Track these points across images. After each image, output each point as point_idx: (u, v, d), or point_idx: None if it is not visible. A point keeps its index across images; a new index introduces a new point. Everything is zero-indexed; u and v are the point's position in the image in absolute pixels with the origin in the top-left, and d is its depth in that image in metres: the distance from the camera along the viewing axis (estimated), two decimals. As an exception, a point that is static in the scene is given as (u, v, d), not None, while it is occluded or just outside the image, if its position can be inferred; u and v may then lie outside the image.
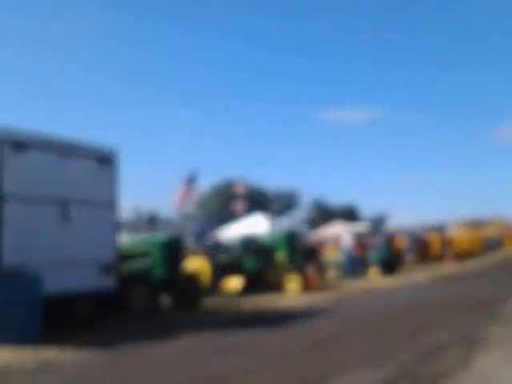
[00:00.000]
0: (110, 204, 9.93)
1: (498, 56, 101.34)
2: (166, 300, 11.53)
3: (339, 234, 28.58)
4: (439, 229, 40.42)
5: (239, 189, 36.45)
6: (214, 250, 16.69)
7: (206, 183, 59.84)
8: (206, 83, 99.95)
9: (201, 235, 21.60)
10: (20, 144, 8.35)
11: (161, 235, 12.64)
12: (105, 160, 9.79)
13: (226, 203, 49.96)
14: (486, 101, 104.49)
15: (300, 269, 16.48)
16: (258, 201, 55.27)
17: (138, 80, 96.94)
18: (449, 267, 27.98)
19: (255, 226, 24.34)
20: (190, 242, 18.29)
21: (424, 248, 32.16)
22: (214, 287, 14.92)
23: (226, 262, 16.02)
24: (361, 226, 33.48)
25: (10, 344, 7.33)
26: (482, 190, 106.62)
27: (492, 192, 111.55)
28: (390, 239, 27.12)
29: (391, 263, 23.92)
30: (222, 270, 15.43)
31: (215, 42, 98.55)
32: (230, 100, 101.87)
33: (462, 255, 33.59)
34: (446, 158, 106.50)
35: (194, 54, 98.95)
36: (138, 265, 11.13)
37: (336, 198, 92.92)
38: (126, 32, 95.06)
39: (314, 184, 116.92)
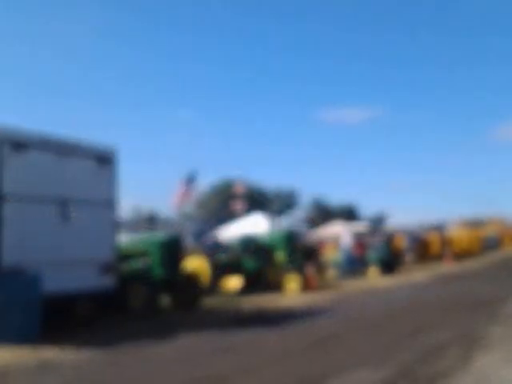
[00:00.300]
0: (110, 203, 9.92)
1: (498, 56, 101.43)
2: (165, 300, 11.53)
3: (339, 234, 28.61)
4: (439, 228, 40.49)
5: (239, 188, 36.47)
6: (214, 250, 16.69)
7: (206, 183, 59.83)
8: (206, 83, 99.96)
9: (200, 235, 21.60)
10: (19, 144, 8.35)
11: (160, 235, 12.63)
12: (104, 159, 9.79)
13: (225, 203, 49.96)
14: (485, 100, 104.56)
15: (299, 268, 16.49)
16: (257, 200, 55.27)
17: (138, 80, 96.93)
18: (448, 267, 28.01)
19: (255, 225, 24.34)
20: (189, 241, 18.29)
21: (423, 248, 32.20)
22: (214, 287, 14.92)
23: (225, 261, 16.02)
24: (360, 226, 33.51)
25: (10, 344, 7.33)
26: (481, 189, 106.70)
27: (491, 192, 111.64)
28: (389, 239, 27.16)
29: (391, 263, 23.94)
30: (221, 270, 15.43)
31: (215, 42, 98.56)
32: (230, 100, 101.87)
33: (462, 255, 33.64)
34: (446, 158, 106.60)
35: (194, 54, 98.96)
36: (137, 264, 11.12)
37: (336, 197, 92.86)
38: (126, 32, 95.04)
39: (314, 184, 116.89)
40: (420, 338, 8.18)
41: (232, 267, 15.90)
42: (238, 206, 35.30)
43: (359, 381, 5.73)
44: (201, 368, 6.42)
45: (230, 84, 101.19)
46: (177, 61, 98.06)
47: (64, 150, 9.14)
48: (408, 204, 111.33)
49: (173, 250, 11.53)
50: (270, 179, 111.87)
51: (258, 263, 16.44)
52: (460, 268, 26.93)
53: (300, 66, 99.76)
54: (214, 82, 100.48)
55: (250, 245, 17.06)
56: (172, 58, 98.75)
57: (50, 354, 7.11)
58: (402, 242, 30.41)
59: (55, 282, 8.42)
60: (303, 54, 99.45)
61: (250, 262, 16.36)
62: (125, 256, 10.74)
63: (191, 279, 11.92)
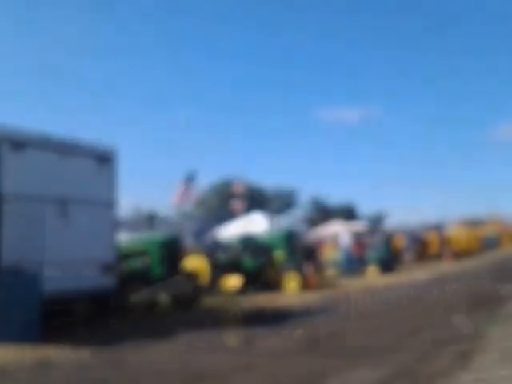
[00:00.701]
0: (110, 202, 9.93)
1: (498, 54, 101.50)
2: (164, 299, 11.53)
3: (338, 233, 28.62)
4: (438, 228, 40.52)
5: (238, 188, 36.49)
6: (213, 249, 16.70)
7: (205, 182, 59.81)
8: (206, 83, 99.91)
9: (200, 234, 21.63)
10: (19, 143, 8.35)
11: (160, 234, 12.66)
12: (104, 159, 9.79)
13: (224, 202, 49.97)
14: (484, 99, 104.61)
15: (299, 268, 16.51)
16: (256, 200, 55.26)
17: (140, 79, 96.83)
18: (447, 266, 28.04)
19: (254, 224, 24.36)
20: (189, 240, 18.31)
21: (422, 247, 32.23)
22: (213, 286, 14.93)
23: (224, 260, 16.03)
24: (359, 225, 33.53)
25: (10, 342, 7.33)
26: (480, 188, 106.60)
27: (490, 190, 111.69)
28: (388, 238, 27.18)
29: (390, 262, 23.97)
30: (220, 269, 15.44)
31: (215, 43, 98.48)
32: (230, 100, 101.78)
33: (461, 254, 33.68)
34: (445, 157, 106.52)
35: (193, 55, 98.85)
36: (136, 264, 11.14)
37: (334, 196, 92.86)
38: (127, 25, 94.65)
39: (313, 183, 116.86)
40: (419, 338, 8.20)
41: (231, 266, 15.91)
42: (238, 205, 35.33)
43: (359, 379, 5.74)
44: (201, 366, 6.44)
45: (230, 84, 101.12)
46: (176, 61, 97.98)
47: (64, 149, 9.14)
48: (407, 203, 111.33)
49: (172, 250, 11.55)
50: (268, 178, 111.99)
51: (258, 262, 16.46)
52: (459, 267, 26.95)
53: (299, 66, 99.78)
54: (213, 82, 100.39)
55: (250, 244, 17.08)
56: (170, 60, 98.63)
57: (49, 352, 7.12)
58: (401, 242, 30.44)
59: (55, 282, 8.43)
60: (303, 53, 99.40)
61: (249, 261, 16.37)
62: (124, 255, 10.75)
63: (190, 279, 11.93)
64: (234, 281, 15.55)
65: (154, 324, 9.59)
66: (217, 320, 10.21)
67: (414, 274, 22.41)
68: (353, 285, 18.28)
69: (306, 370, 6.20)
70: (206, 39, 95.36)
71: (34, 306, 7.75)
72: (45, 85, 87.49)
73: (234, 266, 15.98)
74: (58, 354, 7.09)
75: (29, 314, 7.69)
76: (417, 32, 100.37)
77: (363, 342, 7.92)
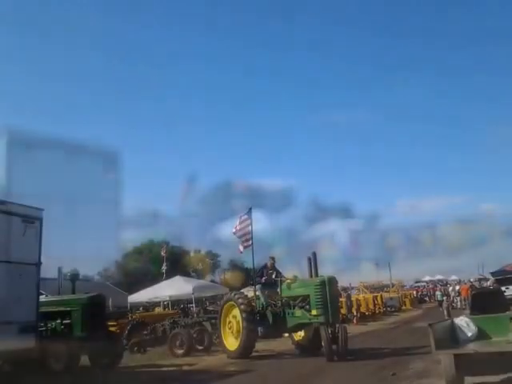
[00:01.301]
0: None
1: (497, 56, 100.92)
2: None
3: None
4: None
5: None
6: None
7: (206, 181, 59.73)
8: (207, 84, 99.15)
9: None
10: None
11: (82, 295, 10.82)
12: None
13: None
14: (482, 99, 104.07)
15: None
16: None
17: (141, 77, 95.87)
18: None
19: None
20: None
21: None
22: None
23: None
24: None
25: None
26: (473, 186, 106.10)
27: (485, 189, 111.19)
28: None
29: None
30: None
31: (215, 44, 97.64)
32: (230, 100, 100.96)
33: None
34: (442, 156, 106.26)
35: (195, 54, 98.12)
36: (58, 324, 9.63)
37: (332, 195, 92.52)
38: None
39: (311, 181, 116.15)
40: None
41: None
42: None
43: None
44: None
45: (229, 83, 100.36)
46: (176, 60, 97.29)
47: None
48: (405, 202, 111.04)
49: (95, 309, 9.88)
50: (267, 177, 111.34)
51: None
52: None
53: (299, 66, 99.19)
54: (214, 83, 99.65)
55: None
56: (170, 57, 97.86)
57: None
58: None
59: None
60: (302, 55, 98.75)
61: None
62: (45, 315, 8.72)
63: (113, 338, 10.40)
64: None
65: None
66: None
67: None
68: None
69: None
70: (207, 32, 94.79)
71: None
72: (45, 85, 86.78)
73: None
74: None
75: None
76: (415, 36, 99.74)
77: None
